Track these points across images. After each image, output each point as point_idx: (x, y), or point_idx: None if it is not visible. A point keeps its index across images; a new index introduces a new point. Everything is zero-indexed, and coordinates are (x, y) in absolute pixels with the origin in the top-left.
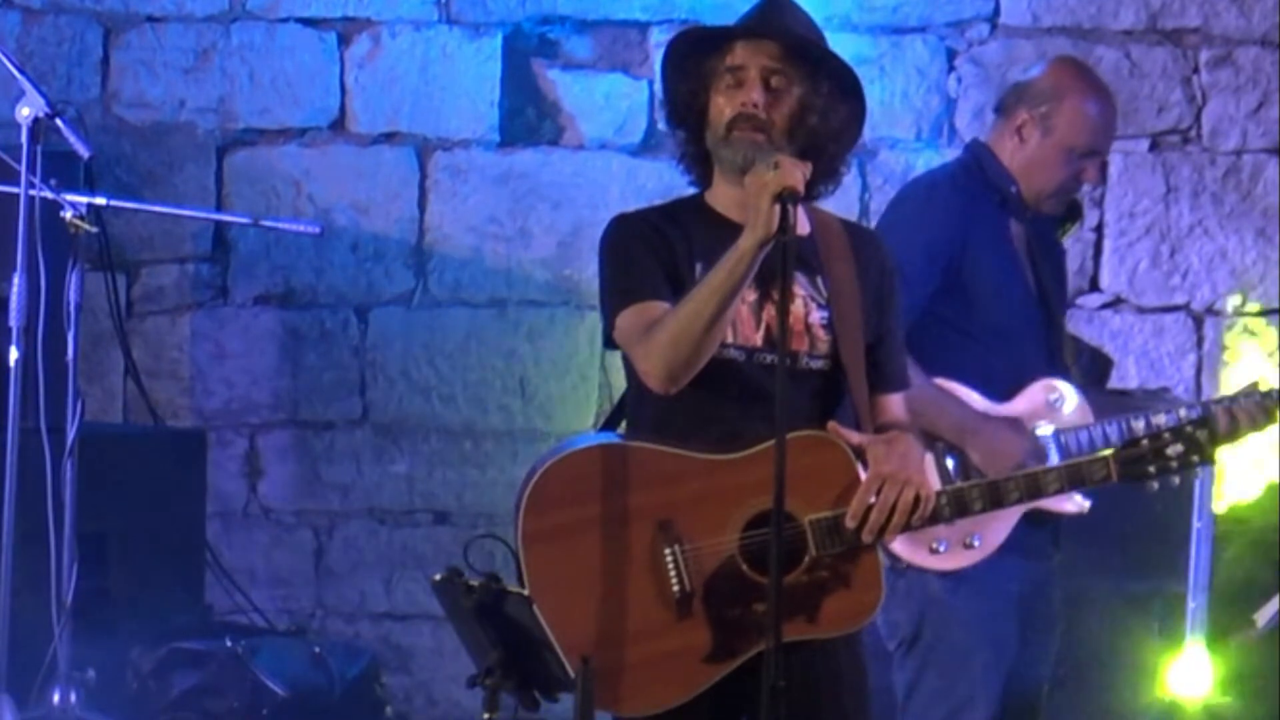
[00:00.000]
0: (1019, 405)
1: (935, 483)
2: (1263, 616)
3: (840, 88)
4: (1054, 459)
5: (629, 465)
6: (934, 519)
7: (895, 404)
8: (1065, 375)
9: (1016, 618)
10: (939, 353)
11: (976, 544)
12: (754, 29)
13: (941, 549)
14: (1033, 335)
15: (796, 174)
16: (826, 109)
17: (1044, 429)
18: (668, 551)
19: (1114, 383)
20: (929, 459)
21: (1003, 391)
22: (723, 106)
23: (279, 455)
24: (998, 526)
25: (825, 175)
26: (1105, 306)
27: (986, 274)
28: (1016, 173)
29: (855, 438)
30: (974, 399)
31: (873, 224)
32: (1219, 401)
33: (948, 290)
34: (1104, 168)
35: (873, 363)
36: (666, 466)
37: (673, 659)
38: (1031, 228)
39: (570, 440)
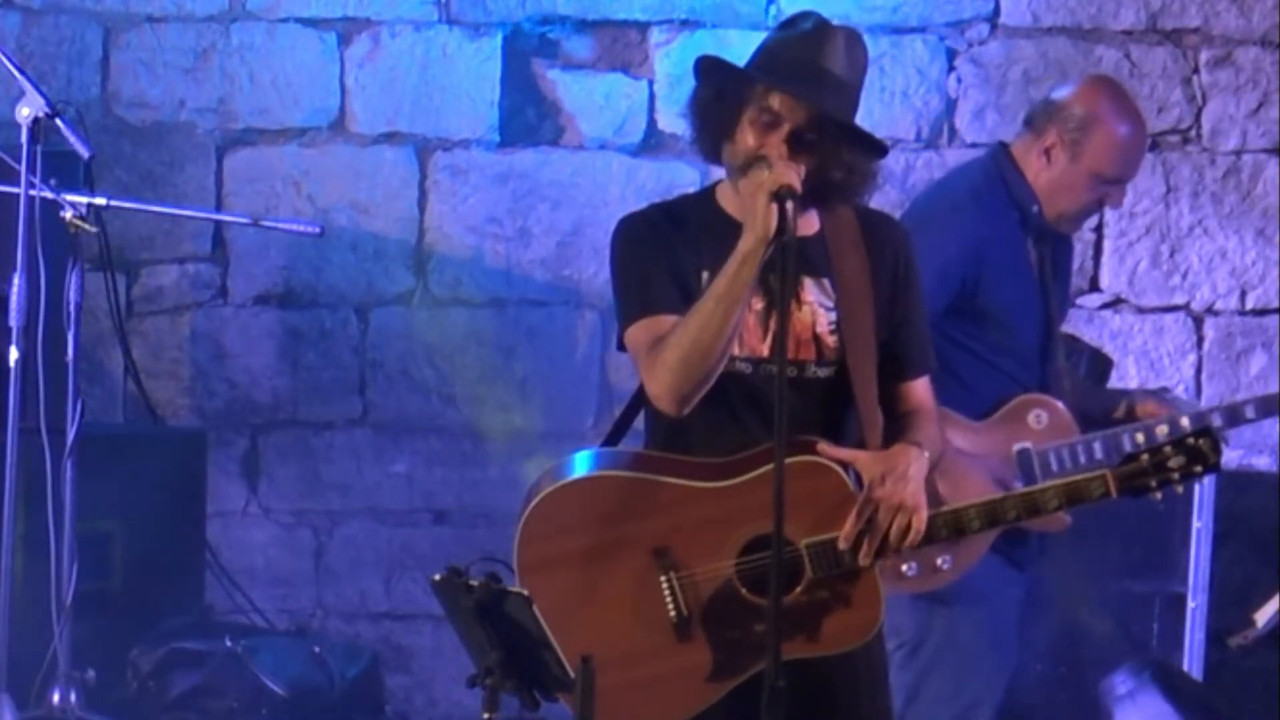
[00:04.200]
0: (994, 423)
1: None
2: (1263, 616)
3: (865, 146)
4: (1037, 476)
5: (621, 496)
6: (931, 539)
7: (917, 389)
8: (1057, 391)
9: (1015, 622)
10: (941, 370)
11: (945, 566)
12: (797, 90)
13: (911, 573)
14: (1038, 354)
15: (791, 173)
16: (850, 164)
17: (1022, 444)
18: (663, 579)
19: (1114, 383)
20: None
21: (992, 409)
22: (751, 141)
23: (279, 455)
24: (969, 548)
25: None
26: (1105, 306)
27: (1003, 297)
28: (1040, 192)
29: (846, 454)
30: (954, 420)
31: None
32: (1214, 410)
33: (957, 310)
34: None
35: (891, 353)
36: (659, 495)
37: (676, 679)
38: (1047, 246)
39: (568, 461)
